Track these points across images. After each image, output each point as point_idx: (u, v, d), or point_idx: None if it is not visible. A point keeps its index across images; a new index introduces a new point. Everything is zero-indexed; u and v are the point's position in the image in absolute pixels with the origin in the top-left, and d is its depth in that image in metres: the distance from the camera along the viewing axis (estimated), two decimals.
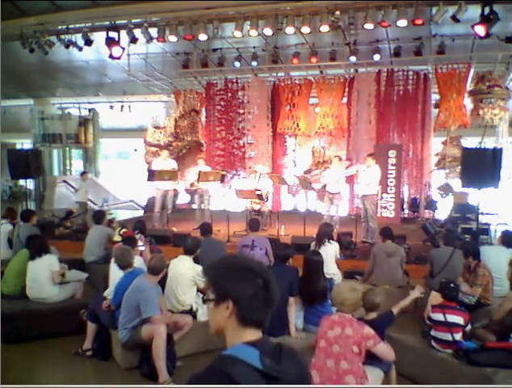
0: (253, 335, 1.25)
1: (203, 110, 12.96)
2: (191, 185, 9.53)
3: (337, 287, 3.42)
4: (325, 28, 8.58)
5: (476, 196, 7.63)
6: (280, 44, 11.09)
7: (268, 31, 8.91)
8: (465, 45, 9.92)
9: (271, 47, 11.03)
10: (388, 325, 3.60)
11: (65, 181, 14.77)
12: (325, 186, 8.47)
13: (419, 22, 8.07)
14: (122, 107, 15.19)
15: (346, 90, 11.55)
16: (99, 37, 9.52)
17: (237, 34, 8.96)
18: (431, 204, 10.35)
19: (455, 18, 7.66)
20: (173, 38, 9.32)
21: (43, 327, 4.60)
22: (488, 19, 7.33)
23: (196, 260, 4.68)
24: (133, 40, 9.35)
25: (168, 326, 3.95)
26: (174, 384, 3.73)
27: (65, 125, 15.61)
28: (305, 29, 8.69)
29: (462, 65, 10.25)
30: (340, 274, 5.34)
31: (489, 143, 10.43)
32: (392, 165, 10.18)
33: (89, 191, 11.15)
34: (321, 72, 12.02)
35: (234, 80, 12.31)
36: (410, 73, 11.01)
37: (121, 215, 11.80)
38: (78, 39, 9.65)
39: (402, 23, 8.16)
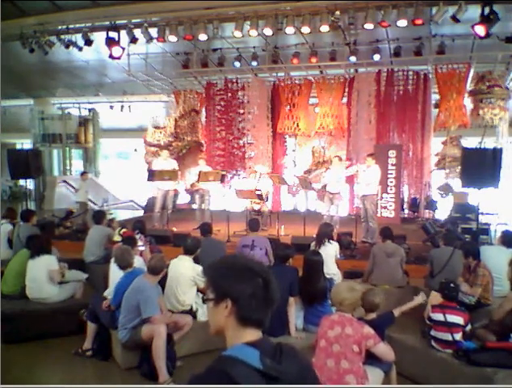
0: (254, 334, 1.25)
1: (203, 110, 12.95)
2: (192, 185, 9.52)
3: (336, 287, 3.42)
4: (325, 28, 8.58)
5: (476, 196, 7.63)
6: (280, 44, 11.09)
7: (268, 31, 8.91)
8: (465, 45, 9.92)
9: (271, 47, 11.03)
10: (388, 325, 3.60)
11: (65, 181, 14.77)
12: (325, 186, 8.47)
13: (419, 22, 8.07)
14: (122, 107, 15.19)
15: (346, 90, 11.55)
16: (99, 37, 9.52)
17: (237, 34, 8.96)
18: (431, 204, 10.35)
19: (455, 19, 7.66)
20: (173, 38, 9.32)
21: (43, 327, 4.60)
22: (488, 19, 7.33)
23: (196, 260, 4.68)
24: (133, 40, 9.34)
25: (168, 326, 3.95)
26: (174, 384, 3.73)
27: (65, 125, 15.61)
28: (305, 29, 8.69)
29: (462, 65, 10.25)
30: (340, 274, 5.34)
31: (489, 143, 10.43)
32: (392, 165, 10.18)
33: (89, 191, 11.15)
34: (321, 72, 12.02)
35: (234, 80, 12.31)
36: (410, 73, 11.01)
37: (121, 215, 11.80)
38: (78, 39, 9.64)
39: (402, 23, 8.16)
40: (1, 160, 11.61)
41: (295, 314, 4.15)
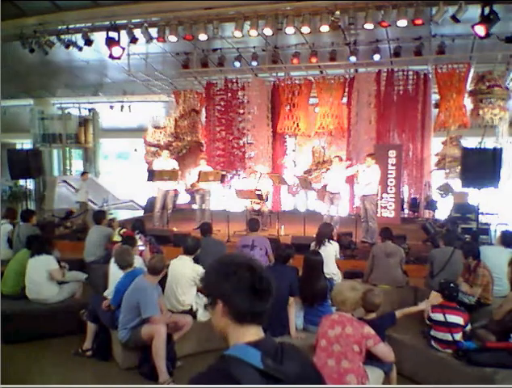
0: (254, 333, 1.25)
1: (203, 110, 12.95)
2: (193, 185, 9.53)
3: (338, 286, 3.43)
4: (325, 28, 8.57)
5: (476, 196, 7.62)
6: (280, 44, 11.08)
7: (268, 31, 8.90)
8: (465, 45, 9.92)
9: (271, 47, 11.03)
10: (388, 326, 3.60)
11: (65, 181, 14.76)
12: (325, 186, 8.47)
13: (419, 22, 8.06)
14: (122, 107, 15.17)
15: (346, 90, 11.55)
16: (99, 37, 9.52)
17: (237, 34, 8.96)
18: (431, 204, 10.35)
19: (455, 18, 7.66)
20: (173, 38, 9.31)
21: (43, 327, 4.61)
22: (488, 19, 7.33)
23: (196, 260, 4.68)
24: (133, 40, 9.33)
25: (168, 326, 3.95)
26: (174, 384, 3.74)
27: (65, 125, 15.61)
28: (305, 29, 8.68)
29: (462, 65, 10.25)
30: (340, 274, 5.34)
31: (489, 143, 10.42)
32: (392, 165, 10.18)
33: (89, 191, 11.15)
34: (321, 72, 12.02)
35: (234, 80, 12.31)
36: (410, 73, 11.00)
37: (121, 215, 11.80)
38: (78, 39, 9.63)
39: (402, 23, 8.16)
40: (1, 160, 11.61)
41: (295, 314, 4.15)
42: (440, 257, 5.01)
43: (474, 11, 7.57)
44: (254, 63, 11.30)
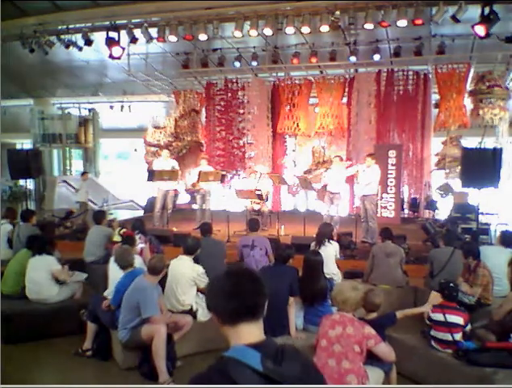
0: (254, 334, 1.25)
1: (203, 110, 12.95)
2: (193, 185, 9.53)
3: (339, 286, 3.42)
4: (325, 28, 8.57)
5: (476, 196, 7.62)
6: (280, 44, 11.08)
7: (268, 31, 8.90)
8: (465, 45, 9.92)
9: (271, 47, 11.03)
10: (388, 326, 3.60)
11: (65, 181, 14.76)
12: (325, 186, 8.47)
13: (419, 22, 8.06)
14: (122, 107, 15.16)
15: (346, 90, 11.55)
16: (99, 37, 9.52)
17: (237, 34, 8.96)
18: (431, 204, 10.34)
19: (455, 18, 7.66)
20: (173, 38, 9.31)
21: (43, 327, 4.61)
22: (488, 19, 7.33)
23: (196, 260, 4.68)
24: (133, 40, 9.33)
25: (168, 326, 3.95)
26: (174, 384, 3.74)
27: (65, 125, 15.61)
28: (305, 29, 8.68)
29: (462, 65, 10.25)
30: (340, 274, 5.34)
31: (489, 143, 10.42)
32: (392, 165, 10.17)
33: (89, 191, 11.15)
34: (321, 72, 12.02)
35: (234, 80, 12.31)
36: (410, 73, 11.00)
37: (121, 215, 11.80)
38: (78, 39, 9.64)
39: (402, 23, 8.16)
40: (1, 160, 11.61)
41: (295, 314, 4.15)
42: (440, 257, 5.01)
43: (474, 11, 7.57)
44: (254, 63, 11.29)
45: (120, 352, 4.08)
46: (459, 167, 8.06)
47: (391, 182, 10.18)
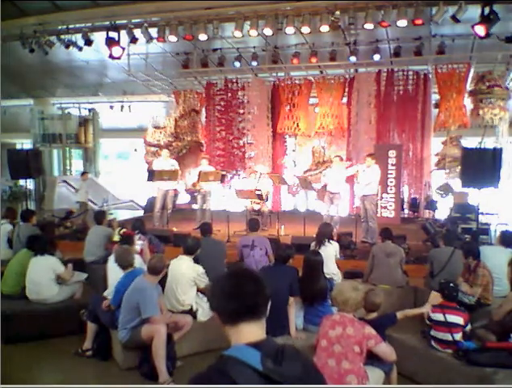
0: (255, 334, 1.25)
1: (203, 110, 12.95)
2: (194, 185, 9.53)
3: (339, 286, 3.41)
4: (325, 28, 8.57)
5: (476, 196, 7.62)
6: (280, 44, 11.08)
7: (268, 31, 8.90)
8: (465, 45, 9.91)
9: (271, 47, 11.03)
10: (388, 326, 3.60)
11: (65, 181, 14.76)
12: (325, 186, 8.47)
13: (419, 22, 8.06)
14: (122, 107, 15.17)
15: (346, 90, 11.55)
16: (99, 37, 9.52)
17: (237, 34, 8.96)
18: (431, 204, 10.34)
19: (455, 18, 7.66)
20: (173, 38, 9.31)
21: (43, 327, 4.61)
22: (488, 19, 7.32)
23: (196, 260, 4.68)
24: (133, 40, 9.33)
25: (168, 326, 3.95)
26: (174, 384, 3.73)
27: (65, 125, 15.60)
28: (305, 29, 8.68)
29: (462, 65, 10.25)
30: (340, 274, 5.34)
31: (489, 143, 10.42)
32: (392, 165, 10.18)
33: (89, 191, 11.15)
34: (321, 72, 12.02)
35: (234, 80, 12.31)
36: (410, 73, 11.00)
37: (121, 215, 11.80)
38: (78, 39, 9.63)
39: (402, 23, 8.16)
40: (1, 160, 11.61)
41: (295, 314, 4.15)
42: (440, 257, 5.01)
43: (474, 11, 7.57)
44: (254, 63, 11.29)
45: (120, 352, 4.08)
46: (459, 167, 8.06)
47: (391, 182, 10.19)
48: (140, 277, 4.07)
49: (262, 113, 12.08)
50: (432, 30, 9.50)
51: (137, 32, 9.29)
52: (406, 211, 11.33)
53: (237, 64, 11.40)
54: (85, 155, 17.18)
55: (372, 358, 3.05)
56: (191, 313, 4.44)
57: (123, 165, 20.49)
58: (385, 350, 3.08)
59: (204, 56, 11.54)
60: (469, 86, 10.50)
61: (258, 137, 12.10)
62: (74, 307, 4.72)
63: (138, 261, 4.82)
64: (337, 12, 8.30)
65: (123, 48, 9.47)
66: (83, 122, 16.11)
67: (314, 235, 5.61)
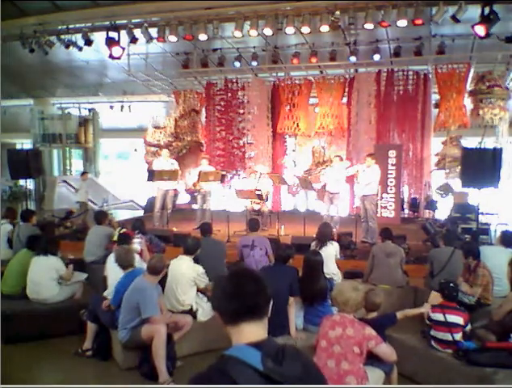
0: (255, 334, 1.25)
1: (203, 110, 12.95)
2: (194, 185, 9.53)
3: (339, 287, 3.41)
4: (325, 28, 8.57)
5: (476, 196, 7.62)
6: (280, 44, 11.08)
7: (268, 31, 8.90)
8: (465, 45, 9.92)
9: (271, 47, 11.03)
10: (389, 326, 3.60)
11: (65, 181, 14.76)
12: (325, 186, 8.47)
13: (419, 22, 8.06)
14: (122, 107, 15.17)
15: (346, 90, 11.55)
16: (99, 37, 9.52)
17: (237, 34, 8.95)
18: (431, 204, 10.34)
19: (455, 18, 7.66)
20: (173, 38, 9.30)
21: (43, 327, 4.61)
22: (488, 19, 7.32)
23: (196, 260, 4.68)
24: (133, 40, 9.33)
25: (168, 326, 3.95)
26: (174, 384, 3.73)
27: (65, 125, 15.61)
28: (305, 29, 8.68)
29: (462, 65, 10.25)
30: (340, 274, 5.34)
31: (489, 143, 10.42)
32: (392, 165, 10.18)
33: (89, 191, 11.15)
34: (321, 72, 12.02)
35: (234, 80, 12.31)
36: (410, 73, 11.00)
37: (121, 215, 11.80)
38: (78, 39, 9.63)
39: (402, 23, 8.15)
40: (1, 160, 11.61)
41: (295, 314, 4.15)
42: (440, 257, 5.01)
43: (474, 11, 7.57)
44: (254, 63, 11.29)
45: (120, 352, 4.08)
46: (459, 167, 8.06)
47: (391, 182, 10.19)
48: (140, 277, 4.07)
49: (262, 113, 12.08)
50: (432, 30, 9.50)
51: (137, 32, 9.29)
52: (406, 211, 11.34)
53: (237, 64, 11.40)
54: (85, 155, 17.18)
55: (372, 358, 3.05)
56: (191, 313, 4.43)
57: (123, 165, 20.49)
58: (385, 351, 3.08)
59: (204, 56, 11.53)
60: (469, 86, 10.50)
61: (258, 137, 12.10)
62: (74, 307, 4.72)
63: (137, 261, 4.82)
64: (337, 12, 8.30)
65: (123, 48, 9.47)
66: (83, 122, 16.11)
67: (314, 235, 5.61)
